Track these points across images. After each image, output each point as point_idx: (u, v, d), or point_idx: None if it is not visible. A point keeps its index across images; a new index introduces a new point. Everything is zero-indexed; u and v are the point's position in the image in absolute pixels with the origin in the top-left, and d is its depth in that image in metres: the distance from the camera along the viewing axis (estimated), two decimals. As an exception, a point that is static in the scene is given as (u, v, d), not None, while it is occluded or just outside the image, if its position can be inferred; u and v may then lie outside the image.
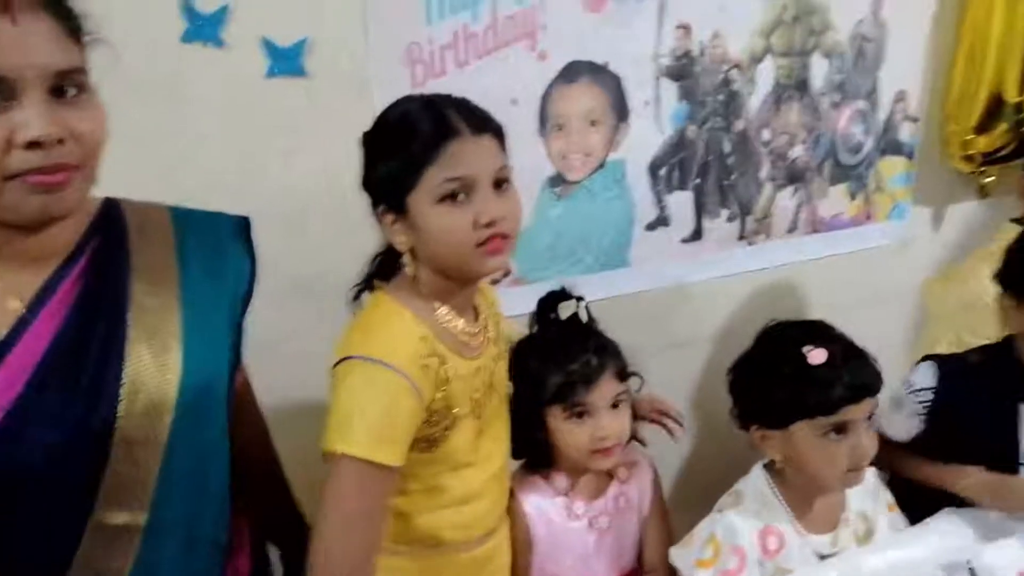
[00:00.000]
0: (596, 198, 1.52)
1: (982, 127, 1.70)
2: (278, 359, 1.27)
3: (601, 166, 1.51)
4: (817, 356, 1.07)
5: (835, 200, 1.75)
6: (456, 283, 0.98)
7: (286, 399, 1.21)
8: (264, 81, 1.21)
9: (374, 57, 1.27)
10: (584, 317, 1.21)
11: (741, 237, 1.68)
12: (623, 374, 1.19)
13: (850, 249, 1.79)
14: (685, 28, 1.50)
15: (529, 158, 1.43)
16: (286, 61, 1.20)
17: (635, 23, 1.46)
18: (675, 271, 1.63)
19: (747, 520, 1.12)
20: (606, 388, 1.15)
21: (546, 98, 1.42)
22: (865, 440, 1.09)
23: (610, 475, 1.25)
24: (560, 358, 1.16)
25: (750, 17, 1.54)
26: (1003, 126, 1.69)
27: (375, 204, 0.96)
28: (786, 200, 1.70)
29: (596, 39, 1.44)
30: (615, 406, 1.17)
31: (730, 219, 1.66)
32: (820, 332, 1.13)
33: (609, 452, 1.17)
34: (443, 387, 0.96)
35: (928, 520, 1.12)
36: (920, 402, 1.27)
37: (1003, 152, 1.72)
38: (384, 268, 1.02)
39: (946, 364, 1.27)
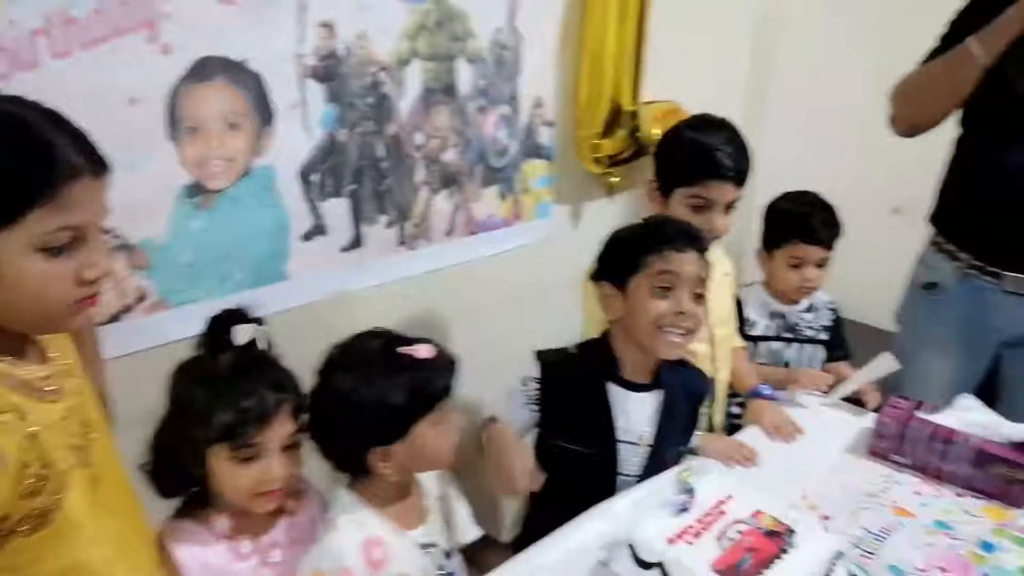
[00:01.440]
0: (244, 208, 1.38)
1: (606, 132, 1.88)
2: None
3: (247, 173, 1.38)
4: (425, 351, 1.09)
5: (488, 202, 1.81)
6: (19, 332, 0.81)
7: None
8: None
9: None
10: (263, 344, 1.09)
11: (401, 242, 1.66)
12: (299, 411, 1.09)
13: (503, 248, 1.87)
14: (328, 27, 1.43)
15: (158, 165, 1.25)
16: None
17: (274, 18, 1.35)
18: (336, 281, 1.55)
19: (346, 539, 1.09)
20: (280, 428, 1.05)
21: (175, 97, 1.25)
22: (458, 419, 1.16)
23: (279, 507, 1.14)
24: (231, 392, 1.02)
25: (394, 19, 1.52)
26: (623, 132, 1.89)
27: None
28: (442, 203, 1.72)
29: (231, 33, 1.30)
30: (288, 447, 1.07)
31: (389, 224, 1.63)
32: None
33: (275, 495, 1.06)
34: (31, 446, 0.78)
35: (591, 509, 1.20)
36: (529, 393, 1.35)
37: (624, 155, 1.93)
38: None
39: (548, 355, 1.37)
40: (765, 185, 2.04)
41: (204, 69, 1.28)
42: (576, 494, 1.28)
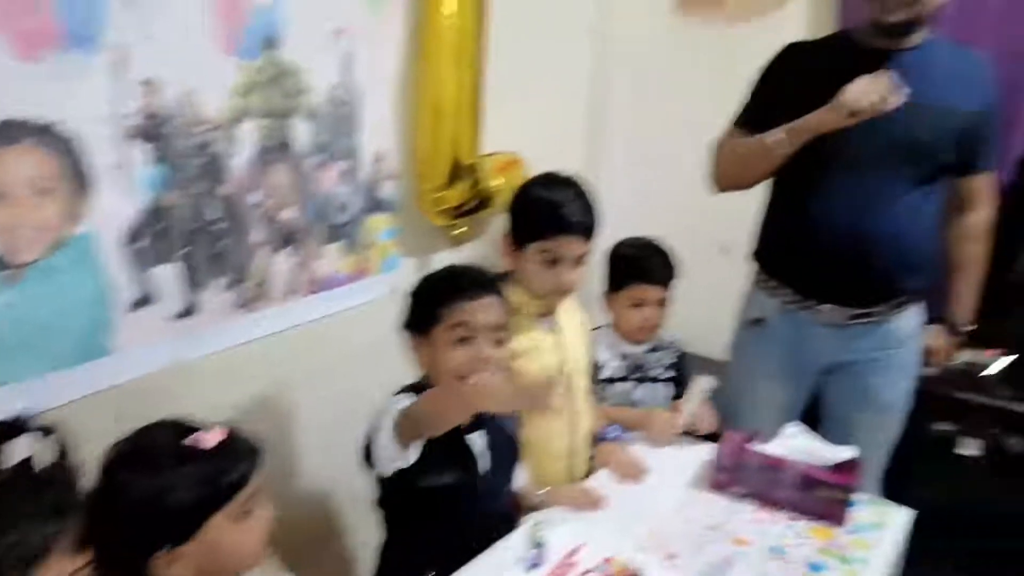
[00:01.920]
0: (59, 280, 1.28)
1: (449, 184, 1.90)
2: None
3: (62, 242, 1.28)
4: (213, 437, 1.03)
5: (331, 259, 1.78)
6: None
7: None
8: None
9: None
10: (46, 459, 0.92)
11: (240, 306, 1.59)
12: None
13: (350, 305, 1.83)
14: (151, 85, 1.36)
15: (-45, 239, 1.14)
16: None
17: (87, 77, 1.27)
18: (169, 352, 1.47)
19: None
20: (58, 566, 0.89)
21: (-25, 164, 1.15)
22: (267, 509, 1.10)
23: None
24: None
25: (223, 77, 1.47)
26: (465, 184, 1.91)
27: None
28: (282, 263, 1.67)
29: (37, 94, 1.21)
30: None
31: (226, 288, 1.56)
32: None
33: None
34: None
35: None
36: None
37: (468, 206, 1.95)
38: None
39: (416, 389, 1.37)
40: (606, 231, 2.13)
41: (7, 132, 1.19)
42: (433, 540, 1.27)
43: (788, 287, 1.80)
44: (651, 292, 1.93)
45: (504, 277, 1.62)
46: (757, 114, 1.75)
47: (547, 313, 1.63)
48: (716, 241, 2.46)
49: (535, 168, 2.09)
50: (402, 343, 1.45)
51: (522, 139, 2.17)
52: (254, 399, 1.66)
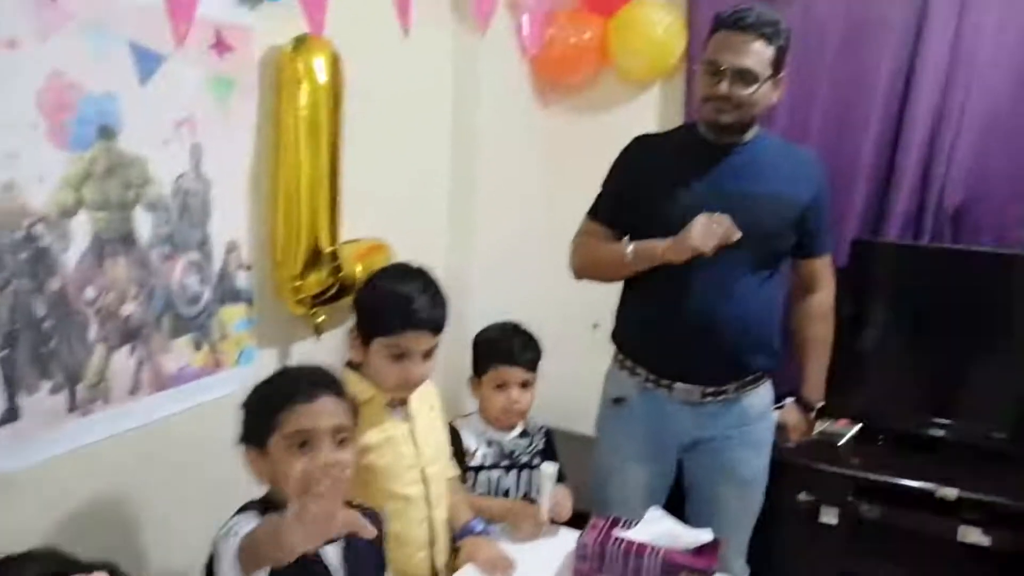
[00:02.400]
0: None
1: (306, 272, 1.85)
2: None
3: None
4: None
5: (179, 353, 1.69)
6: None
7: None
8: None
9: None
10: None
11: (72, 408, 1.48)
12: None
13: (201, 400, 1.74)
14: (-34, 178, 1.28)
15: None
16: None
17: None
18: (-16, 464, 1.34)
19: None
20: None
21: None
22: None
23: None
24: None
25: (51, 168, 1.39)
26: (324, 271, 1.87)
27: None
28: (124, 360, 1.57)
29: None
30: None
31: (55, 390, 1.44)
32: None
33: None
34: None
35: None
36: None
37: (328, 294, 1.90)
38: None
39: (261, 506, 1.29)
40: (476, 316, 2.13)
41: None
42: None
43: (644, 366, 1.84)
44: (514, 373, 1.93)
45: (354, 368, 1.58)
46: (609, 205, 1.82)
47: (399, 402, 1.59)
48: (586, 319, 2.50)
49: (401, 254, 2.09)
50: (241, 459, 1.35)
51: (388, 226, 2.16)
52: (89, 511, 1.52)
